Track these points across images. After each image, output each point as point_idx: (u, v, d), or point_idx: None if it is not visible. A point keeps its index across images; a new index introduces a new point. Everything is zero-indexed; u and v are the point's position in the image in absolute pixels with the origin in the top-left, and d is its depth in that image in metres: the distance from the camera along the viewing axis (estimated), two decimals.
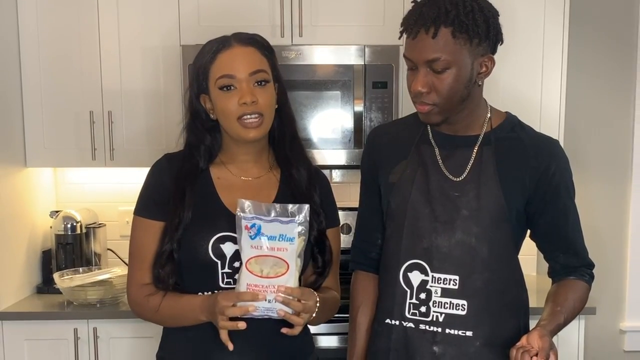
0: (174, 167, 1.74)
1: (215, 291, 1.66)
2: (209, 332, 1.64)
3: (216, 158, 1.78)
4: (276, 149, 1.80)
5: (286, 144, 1.79)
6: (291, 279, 1.59)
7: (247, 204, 1.60)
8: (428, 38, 1.54)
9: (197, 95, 1.73)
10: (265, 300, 1.56)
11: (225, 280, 1.67)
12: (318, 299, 1.65)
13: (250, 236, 1.59)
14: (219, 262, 1.67)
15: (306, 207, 1.62)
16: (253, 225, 1.59)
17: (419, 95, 1.59)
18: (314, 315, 1.64)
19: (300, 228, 1.60)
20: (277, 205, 1.61)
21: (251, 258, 1.58)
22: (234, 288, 1.62)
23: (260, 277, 1.57)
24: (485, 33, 1.57)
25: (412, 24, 1.57)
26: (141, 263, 1.74)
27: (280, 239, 1.59)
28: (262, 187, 1.76)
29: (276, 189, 1.77)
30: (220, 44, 1.69)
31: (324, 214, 1.78)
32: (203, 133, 1.75)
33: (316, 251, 1.77)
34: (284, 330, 1.62)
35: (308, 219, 1.62)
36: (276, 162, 1.81)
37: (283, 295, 1.57)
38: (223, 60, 1.68)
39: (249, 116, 1.66)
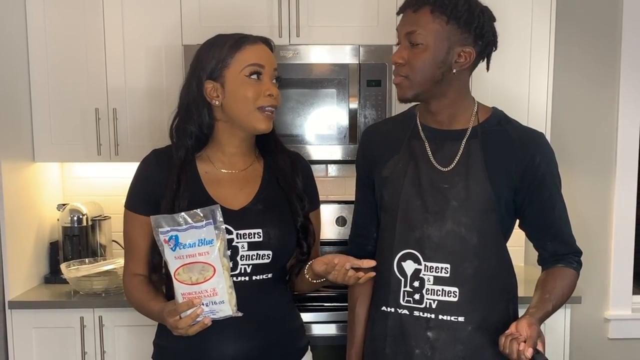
0: (162, 162, 1.76)
1: None
2: None
3: (202, 152, 1.79)
4: (259, 142, 1.84)
5: (270, 139, 1.83)
6: (221, 279, 1.60)
7: (160, 219, 1.61)
8: (410, 12, 1.65)
9: (202, 80, 1.72)
10: (203, 304, 1.59)
11: None
12: None
13: (171, 248, 1.60)
14: None
15: (217, 208, 1.62)
16: (171, 238, 1.60)
17: (395, 67, 1.68)
18: None
19: (217, 230, 1.60)
20: (188, 213, 1.61)
21: (178, 269, 1.60)
22: None
23: (191, 284, 1.59)
24: (466, 21, 1.63)
25: (404, 5, 1.69)
26: (131, 254, 1.80)
27: (200, 244, 1.59)
28: (248, 179, 1.80)
29: (260, 179, 1.81)
30: (242, 37, 1.72)
31: (307, 198, 1.83)
32: (201, 116, 1.74)
33: (302, 237, 1.81)
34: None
35: (222, 219, 1.61)
36: (260, 153, 1.85)
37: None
38: (254, 50, 1.71)
39: (270, 108, 1.72)
